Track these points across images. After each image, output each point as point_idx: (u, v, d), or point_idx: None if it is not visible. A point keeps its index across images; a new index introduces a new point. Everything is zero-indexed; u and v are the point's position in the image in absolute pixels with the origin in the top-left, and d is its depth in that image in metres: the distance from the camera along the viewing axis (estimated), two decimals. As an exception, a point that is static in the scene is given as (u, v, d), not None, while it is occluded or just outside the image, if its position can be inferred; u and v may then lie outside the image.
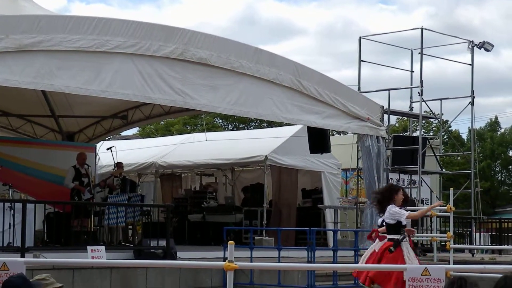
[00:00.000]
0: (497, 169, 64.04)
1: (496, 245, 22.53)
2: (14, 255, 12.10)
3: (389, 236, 11.33)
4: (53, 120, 21.22)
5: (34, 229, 14.41)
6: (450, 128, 39.53)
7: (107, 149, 18.56)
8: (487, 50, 21.14)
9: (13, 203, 14.04)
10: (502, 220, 26.00)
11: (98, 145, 21.25)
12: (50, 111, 20.53)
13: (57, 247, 15.02)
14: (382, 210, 11.57)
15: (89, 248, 12.22)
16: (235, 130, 46.86)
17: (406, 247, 11.25)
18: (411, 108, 21.44)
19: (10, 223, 13.79)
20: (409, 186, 20.89)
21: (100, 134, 22.05)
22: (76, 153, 17.73)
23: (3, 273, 7.18)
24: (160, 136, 38.81)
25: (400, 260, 10.98)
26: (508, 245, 22.89)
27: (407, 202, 12.06)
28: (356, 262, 14.78)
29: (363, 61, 20.73)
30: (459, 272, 12.89)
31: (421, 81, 19.69)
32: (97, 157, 20.95)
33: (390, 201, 11.41)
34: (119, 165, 17.79)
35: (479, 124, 55.14)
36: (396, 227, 11.28)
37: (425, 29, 19.98)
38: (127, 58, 13.84)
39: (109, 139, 23.51)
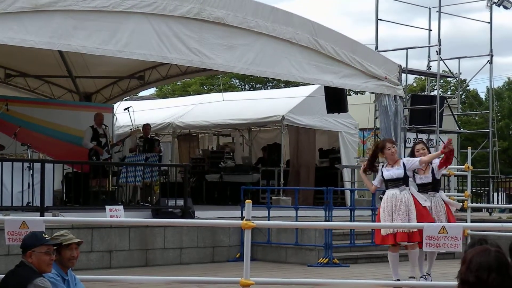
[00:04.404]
0: (515, 128, 63.60)
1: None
2: (33, 214, 12.22)
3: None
4: (70, 80, 21.27)
5: (53, 189, 14.53)
6: (468, 87, 39.26)
7: (125, 109, 18.61)
8: (506, 7, 20.88)
9: (31, 163, 14.15)
10: (520, 180, 25.91)
11: (115, 105, 21.32)
12: (67, 71, 20.58)
13: (76, 206, 15.14)
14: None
15: (107, 207, 12.27)
16: (252, 90, 46.78)
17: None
18: (428, 67, 21.29)
19: (29, 183, 13.91)
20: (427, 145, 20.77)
21: (117, 94, 22.10)
22: (93, 114, 17.79)
23: (22, 231, 7.27)
24: (177, 97, 38.81)
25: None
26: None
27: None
28: (373, 221, 14.83)
29: (380, 19, 20.54)
30: (476, 231, 12.94)
31: (439, 40, 19.52)
32: (115, 117, 21.03)
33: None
34: (146, 126, 18.01)
35: (497, 83, 54.62)
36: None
37: (444, -14, 19.76)
38: (144, 18, 13.79)
39: (126, 100, 23.56)
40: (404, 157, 12.64)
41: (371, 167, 11.02)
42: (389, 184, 10.72)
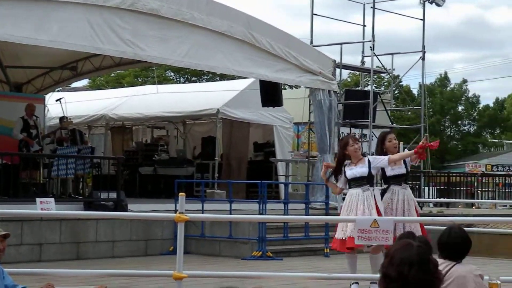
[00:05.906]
0: (446, 124, 65.01)
1: (444, 199, 22.94)
2: (-40, 207, 11.92)
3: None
4: (0, 70, 20.80)
5: (-19, 181, 14.20)
6: (401, 83, 39.82)
7: (56, 100, 18.32)
8: (438, 5, 21.23)
9: (-41, 155, 13.81)
10: (450, 174, 26.53)
11: (47, 96, 20.95)
12: (-4, 61, 20.13)
13: (5, 199, 14.81)
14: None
15: (38, 200, 12.05)
16: (187, 83, 46.59)
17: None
18: (362, 62, 21.49)
19: (-44, 175, 13.58)
20: (360, 140, 21.00)
21: (49, 85, 21.73)
22: (24, 104, 17.44)
23: None
24: (110, 88, 38.41)
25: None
26: (455, 198, 23.35)
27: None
28: (307, 214, 14.91)
29: (315, 14, 20.65)
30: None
31: (373, 36, 19.72)
32: (46, 108, 20.66)
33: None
34: (62, 119, 17.53)
35: (430, 79, 55.73)
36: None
37: (378, -18, 19.95)
38: (76, 8, 13.55)
39: (58, 91, 23.19)
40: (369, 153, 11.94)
41: (338, 171, 9.96)
42: (352, 183, 9.82)
